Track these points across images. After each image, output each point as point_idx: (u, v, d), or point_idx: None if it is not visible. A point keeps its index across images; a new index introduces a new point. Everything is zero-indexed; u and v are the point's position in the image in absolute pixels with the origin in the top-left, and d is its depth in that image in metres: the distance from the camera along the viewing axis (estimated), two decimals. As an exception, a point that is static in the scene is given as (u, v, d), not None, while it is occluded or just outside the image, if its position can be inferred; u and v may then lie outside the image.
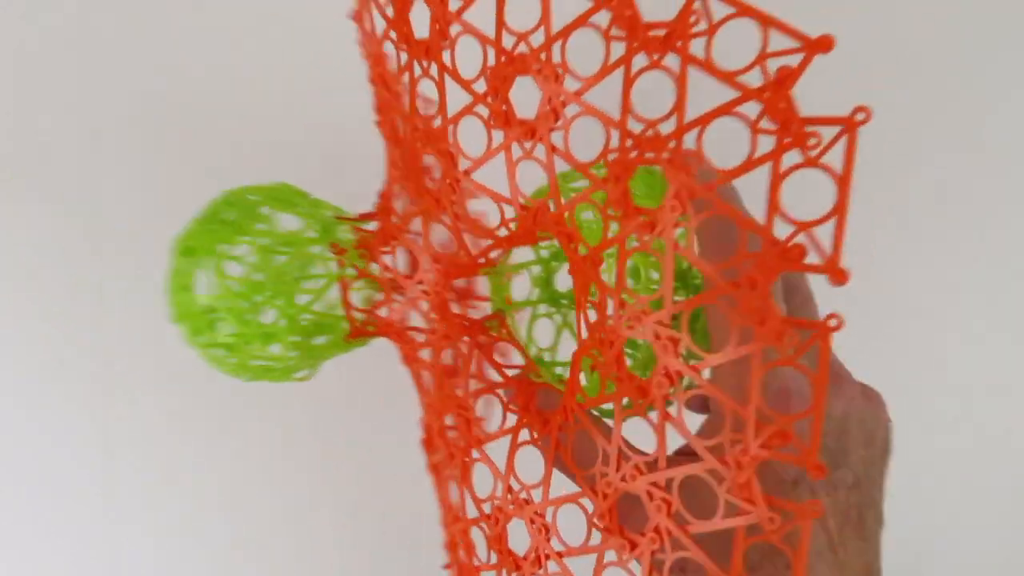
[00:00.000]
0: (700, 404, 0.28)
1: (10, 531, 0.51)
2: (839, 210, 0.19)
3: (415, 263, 0.33)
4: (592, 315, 0.25)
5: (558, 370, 0.32)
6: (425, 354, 0.31)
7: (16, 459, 0.50)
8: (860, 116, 0.18)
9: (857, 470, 0.27)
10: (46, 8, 0.47)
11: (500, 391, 0.29)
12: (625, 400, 0.24)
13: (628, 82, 0.22)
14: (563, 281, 0.33)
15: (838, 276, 0.18)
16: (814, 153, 0.19)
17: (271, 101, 0.49)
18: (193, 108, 0.48)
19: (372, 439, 0.52)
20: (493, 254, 0.28)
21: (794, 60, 0.19)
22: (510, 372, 0.29)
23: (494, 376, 0.29)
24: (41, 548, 0.51)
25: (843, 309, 0.20)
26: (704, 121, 0.21)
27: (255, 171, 0.46)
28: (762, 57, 0.20)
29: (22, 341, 0.49)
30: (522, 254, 0.32)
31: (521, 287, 0.33)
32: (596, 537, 0.25)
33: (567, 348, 0.33)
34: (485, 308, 0.31)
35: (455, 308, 0.30)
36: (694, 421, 0.25)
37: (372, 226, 0.33)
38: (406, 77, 0.27)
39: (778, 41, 0.19)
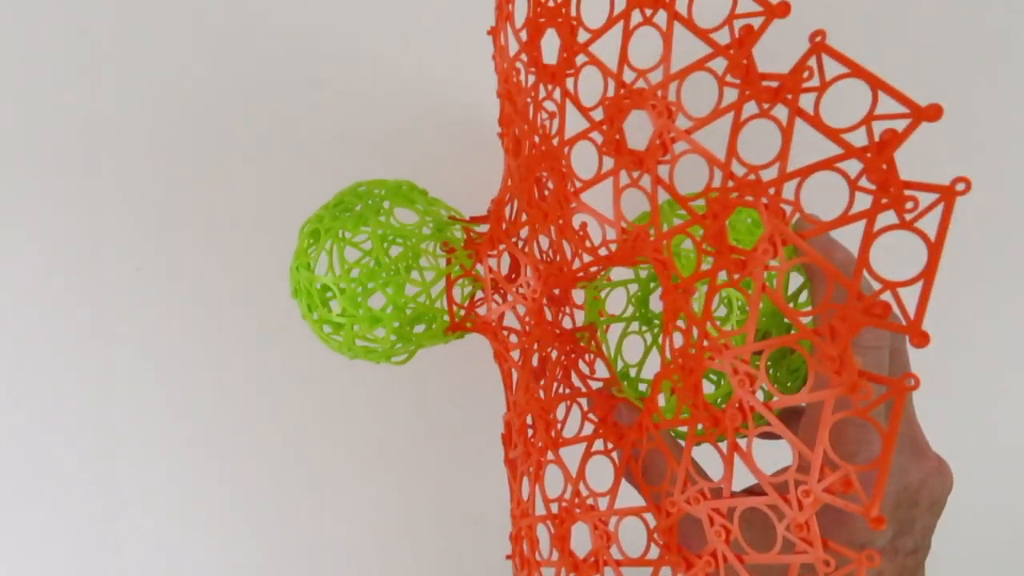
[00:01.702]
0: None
1: (10, 531, 0.51)
2: (928, 274, 0.19)
3: (517, 268, 0.35)
4: (678, 341, 0.26)
5: (642, 387, 0.34)
6: (516, 355, 0.33)
7: (16, 459, 0.50)
8: (960, 186, 0.19)
9: (918, 538, 0.27)
10: (48, 7, 0.48)
11: (581, 400, 0.30)
12: (698, 427, 0.25)
13: (736, 127, 0.23)
14: (658, 302, 0.34)
15: (920, 338, 0.19)
16: (909, 216, 0.19)
17: (274, 98, 0.49)
18: (195, 109, 0.49)
19: (374, 438, 0.51)
20: (592, 270, 0.30)
21: (899, 124, 0.20)
22: (593, 383, 0.31)
23: (577, 384, 0.31)
24: (41, 548, 0.51)
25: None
26: (805, 172, 0.21)
27: (262, 173, 0.48)
28: (869, 118, 0.20)
29: (22, 339, 0.49)
30: (621, 272, 0.33)
31: (616, 302, 0.34)
32: (654, 552, 0.26)
33: (653, 367, 0.34)
34: (578, 318, 0.32)
35: (549, 315, 0.32)
36: (765, 453, 0.26)
37: (482, 229, 0.35)
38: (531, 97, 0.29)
39: (887, 106, 0.20)
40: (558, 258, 0.29)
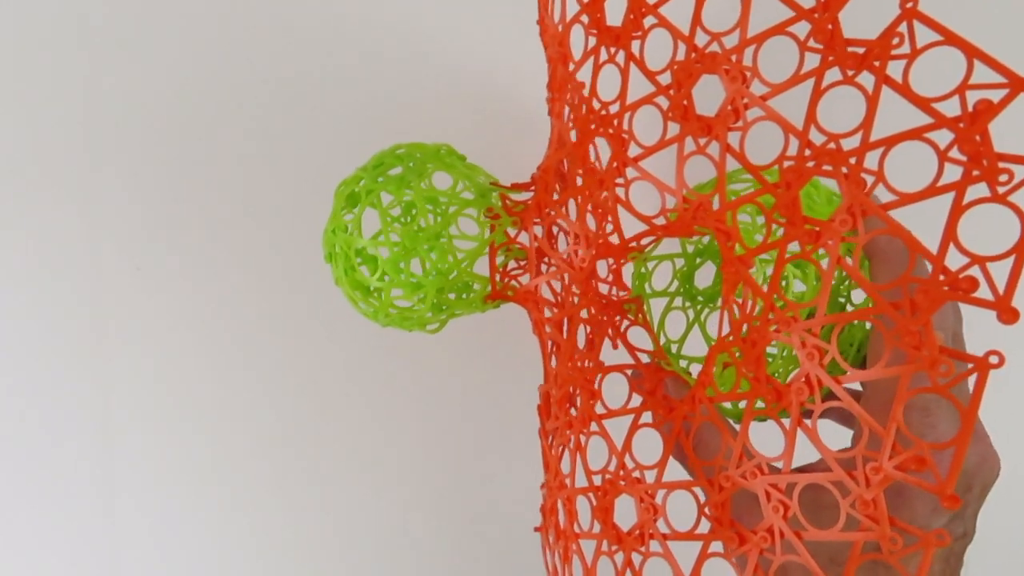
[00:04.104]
0: (845, 416, 0.29)
1: (10, 530, 0.50)
2: (1021, 249, 0.19)
3: (551, 238, 0.34)
4: (736, 314, 0.25)
5: (682, 363, 0.33)
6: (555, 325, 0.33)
7: (16, 458, 0.50)
8: None
9: (968, 523, 0.27)
10: (49, 7, 0.47)
11: (628, 372, 0.30)
12: (758, 401, 0.24)
13: (817, 94, 0.22)
14: (702, 279, 0.34)
15: (1009, 314, 0.18)
16: (1003, 190, 0.19)
17: (276, 99, 0.48)
18: (197, 103, 0.48)
19: (377, 435, 0.51)
20: (644, 241, 0.29)
21: (994, 94, 0.19)
22: (641, 356, 0.30)
23: (625, 356, 0.30)
24: (40, 547, 0.50)
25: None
26: (891, 142, 0.21)
27: (264, 171, 0.48)
28: (963, 87, 0.20)
29: (22, 339, 0.49)
30: (667, 246, 0.33)
31: (660, 277, 0.34)
32: (704, 526, 0.26)
33: (694, 343, 0.34)
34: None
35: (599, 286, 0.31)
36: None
37: (519, 197, 0.34)
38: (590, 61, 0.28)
39: (981, 75, 0.20)
40: (610, 227, 0.29)
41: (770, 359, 0.31)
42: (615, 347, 0.30)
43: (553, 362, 0.33)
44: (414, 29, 0.47)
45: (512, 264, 0.35)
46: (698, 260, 0.33)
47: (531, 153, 0.36)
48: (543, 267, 0.33)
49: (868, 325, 0.30)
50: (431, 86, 0.47)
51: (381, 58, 0.47)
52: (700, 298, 0.33)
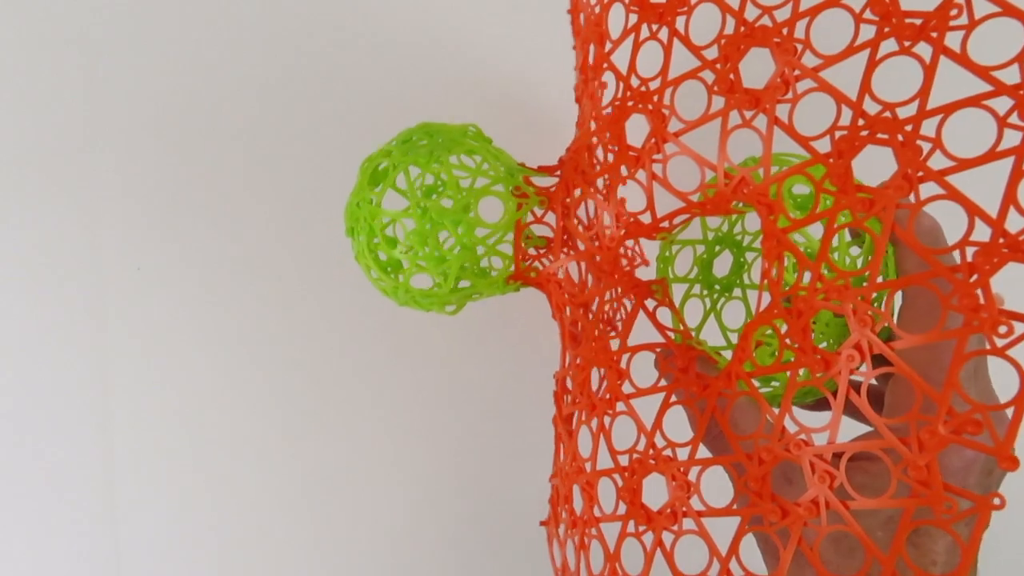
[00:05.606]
0: (853, 410, 0.29)
1: (10, 530, 0.50)
2: (1083, 211, 0.19)
3: (573, 218, 0.34)
4: (768, 289, 0.25)
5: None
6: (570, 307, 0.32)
7: (16, 458, 0.49)
8: None
9: None
10: (49, 7, 0.47)
11: (657, 350, 0.29)
12: (801, 371, 0.24)
13: (872, 65, 0.23)
14: (721, 268, 0.34)
15: None
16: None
17: (280, 94, 0.48)
18: (194, 108, 0.48)
19: (379, 437, 0.50)
20: (678, 219, 0.29)
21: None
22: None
23: (648, 337, 0.30)
24: (41, 546, 0.50)
25: None
26: (949, 109, 0.21)
27: (267, 170, 0.48)
28: (1023, 56, 0.20)
29: (22, 340, 0.49)
30: (689, 233, 0.33)
31: (680, 264, 0.34)
32: (742, 502, 0.26)
33: (708, 332, 0.34)
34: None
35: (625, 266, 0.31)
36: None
37: (542, 183, 0.34)
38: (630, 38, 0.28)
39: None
40: (644, 207, 0.29)
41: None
42: (632, 332, 0.30)
43: None
44: (431, 20, 0.47)
45: (533, 251, 0.34)
46: (717, 248, 0.33)
47: (551, 143, 0.36)
48: (566, 250, 0.33)
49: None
50: (448, 78, 0.47)
51: (395, 49, 0.47)
52: (717, 287, 0.34)
